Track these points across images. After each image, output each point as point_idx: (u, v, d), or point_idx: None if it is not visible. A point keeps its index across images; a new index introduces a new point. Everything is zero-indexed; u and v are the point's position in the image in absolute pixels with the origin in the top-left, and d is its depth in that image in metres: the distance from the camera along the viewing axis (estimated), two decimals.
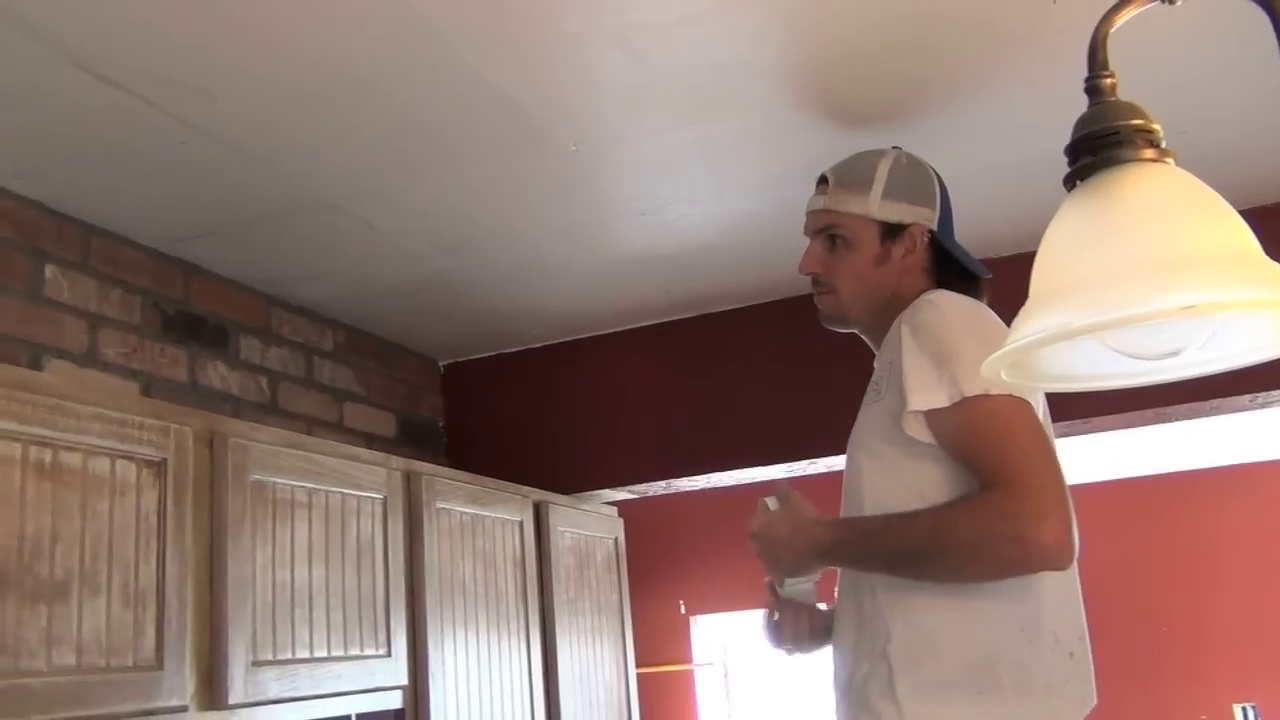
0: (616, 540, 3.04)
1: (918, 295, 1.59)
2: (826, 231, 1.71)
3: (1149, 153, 0.84)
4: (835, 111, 1.87)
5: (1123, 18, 0.88)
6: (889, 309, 1.63)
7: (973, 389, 1.40)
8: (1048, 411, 1.58)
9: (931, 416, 1.45)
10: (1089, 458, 3.96)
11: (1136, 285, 0.75)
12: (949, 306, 1.53)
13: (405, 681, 2.08)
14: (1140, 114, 0.86)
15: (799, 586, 1.69)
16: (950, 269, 1.69)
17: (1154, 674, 4.27)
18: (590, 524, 2.91)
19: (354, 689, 1.94)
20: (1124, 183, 0.83)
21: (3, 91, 1.62)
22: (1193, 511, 4.48)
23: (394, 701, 2.05)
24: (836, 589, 1.64)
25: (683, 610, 4.82)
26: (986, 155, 2.07)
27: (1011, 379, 0.89)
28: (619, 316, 2.91)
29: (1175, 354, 0.86)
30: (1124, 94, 0.87)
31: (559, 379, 3.03)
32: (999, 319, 1.54)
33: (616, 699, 2.88)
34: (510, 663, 2.43)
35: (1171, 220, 0.79)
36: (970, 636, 1.44)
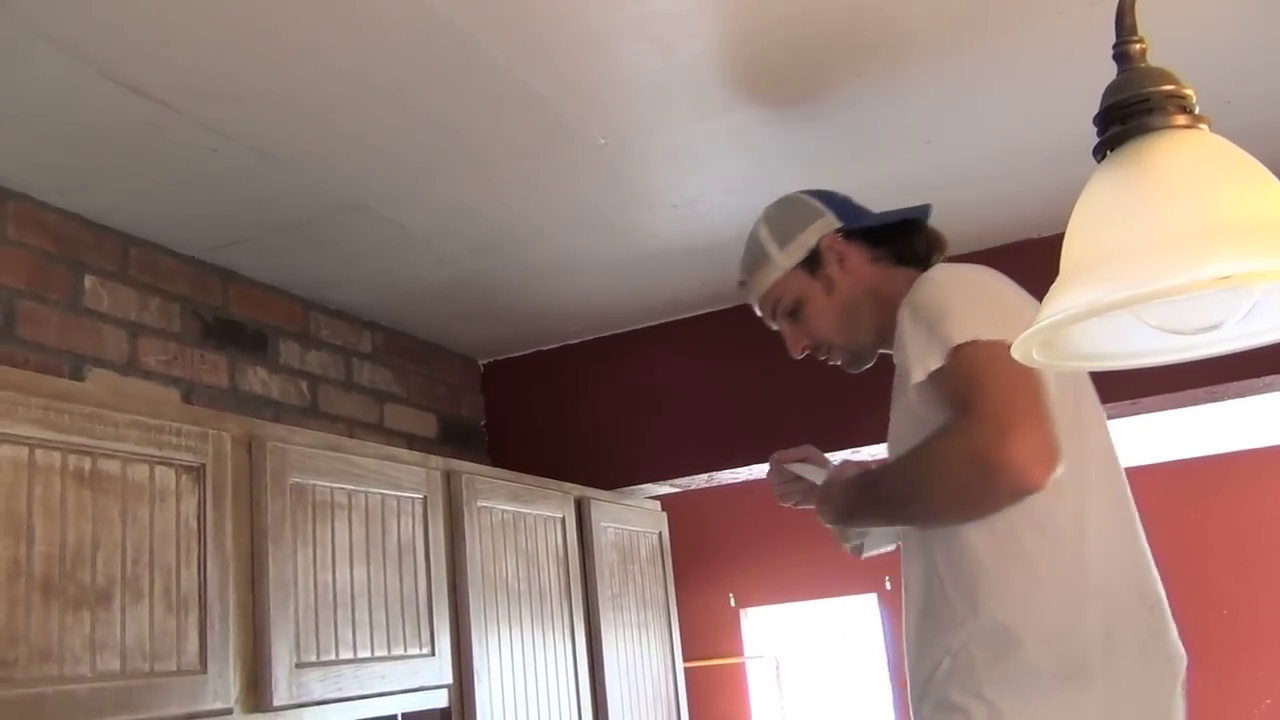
0: (660, 534, 3.03)
1: (900, 289, 1.55)
2: (780, 311, 1.73)
3: (1181, 119, 0.81)
4: (864, 92, 1.84)
5: None
6: (882, 314, 1.61)
7: (961, 337, 1.37)
8: (1086, 379, 1.54)
9: (933, 380, 1.41)
10: (1142, 440, 3.88)
11: (1170, 257, 0.73)
12: (943, 276, 1.52)
13: (450, 680, 2.08)
14: (1171, 79, 0.83)
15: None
16: (894, 237, 1.68)
17: (1215, 659, 4.17)
18: (633, 519, 2.90)
19: (398, 689, 1.95)
20: (1155, 151, 0.80)
21: (38, 107, 1.64)
22: (1249, 492, 4.38)
23: (439, 700, 2.05)
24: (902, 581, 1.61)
25: (732, 603, 4.80)
26: (1030, 135, 2.03)
27: (1043, 359, 0.86)
28: (655, 310, 2.90)
29: (1215, 328, 0.83)
30: (1163, 62, 0.84)
31: (598, 374, 3.02)
32: (1001, 276, 1.54)
33: (664, 694, 2.87)
34: (555, 659, 2.43)
35: (1206, 187, 0.76)
36: (1044, 614, 1.38)
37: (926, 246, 1.70)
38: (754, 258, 1.73)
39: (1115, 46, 0.85)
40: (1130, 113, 0.82)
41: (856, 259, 1.67)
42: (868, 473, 1.58)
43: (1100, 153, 0.84)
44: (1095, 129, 0.84)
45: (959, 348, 1.37)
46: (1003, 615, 1.40)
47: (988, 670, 1.39)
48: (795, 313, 1.71)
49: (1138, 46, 0.85)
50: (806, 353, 1.75)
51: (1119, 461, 1.55)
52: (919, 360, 1.42)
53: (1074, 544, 1.42)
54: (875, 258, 1.67)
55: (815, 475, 1.71)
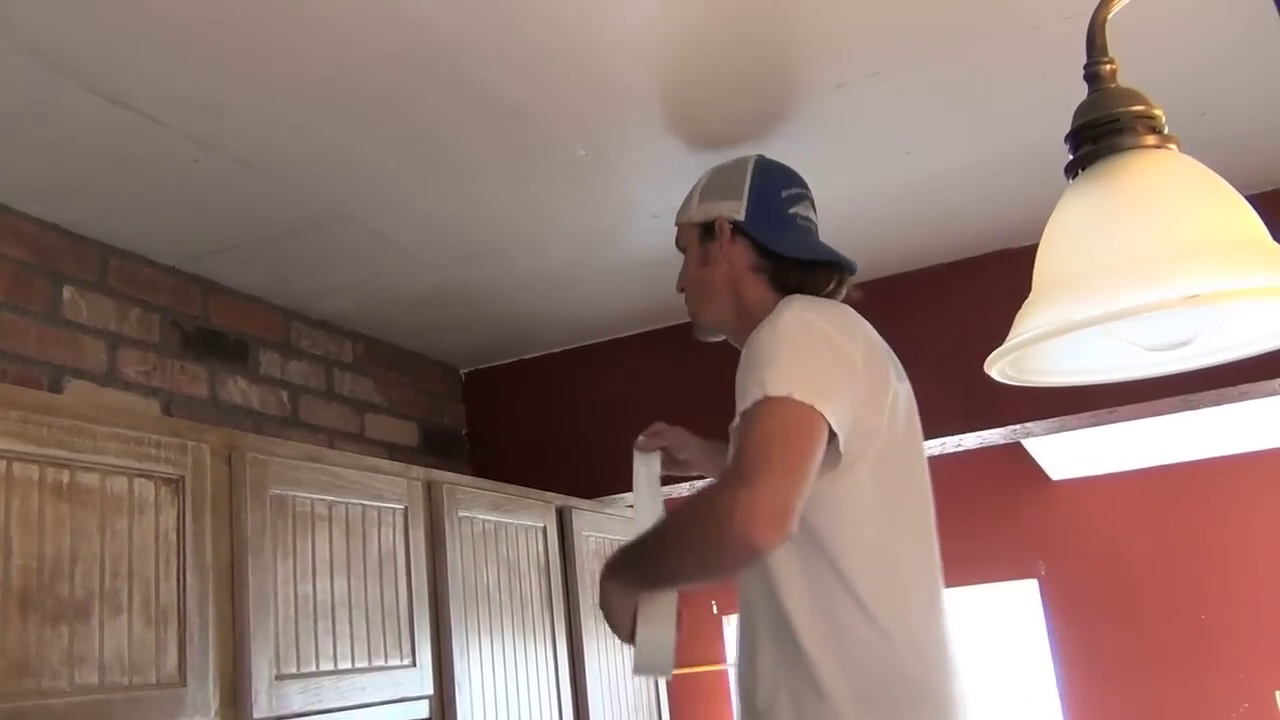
0: None
1: (762, 304, 1.56)
2: (677, 246, 1.76)
3: (1150, 139, 0.82)
4: (844, 103, 1.85)
5: (1120, 3, 0.86)
6: (739, 315, 1.63)
7: (776, 390, 1.34)
8: (914, 415, 1.57)
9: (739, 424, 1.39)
10: (1121, 445, 3.91)
11: (1140, 275, 0.74)
12: (787, 317, 1.47)
13: (431, 691, 2.08)
14: (1141, 100, 0.84)
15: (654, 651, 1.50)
16: (794, 266, 1.64)
17: (1193, 663, 4.21)
18: (614, 527, 2.90)
19: (379, 700, 1.94)
20: (1125, 170, 0.81)
21: (17, 116, 1.64)
22: (1227, 498, 4.41)
23: (420, 712, 2.05)
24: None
25: (714, 610, 4.81)
26: (1008, 144, 2.05)
27: (1016, 376, 0.87)
28: (637, 319, 2.91)
29: (1186, 343, 0.85)
30: (1135, 78, 0.85)
31: (579, 383, 3.02)
32: (852, 321, 1.51)
33: (646, 701, 2.87)
34: (537, 668, 2.43)
35: (1175, 207, 0.78)
36: (840, 666, 1.41)
37: (812, 289, 1.64)
38: (689, 192, 1.77)
39: (1086, 67, 0.87)
40: (1101, 133, 0.83)
41: (737, 255, 1.66)
42: (630, 544, 1.52)
43: (1072, 171, 0.85)
44: (1067, 147, 0.85)
45: (760, 400, 1.35)
46: (806, 663, 1.42)
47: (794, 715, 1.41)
48: (684, 259, 1.76)
49: (1108, 67, 0.86)
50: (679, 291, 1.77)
51: (932, 515, 1.58)
52: (739, 402, 1.40)
53: (884, 601, 1.43)
54: (756, 266, 1.65)
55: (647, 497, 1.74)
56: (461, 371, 3.20)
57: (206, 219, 2.06)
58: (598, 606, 1.53)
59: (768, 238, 1.65)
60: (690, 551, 1.36)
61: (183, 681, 1.57)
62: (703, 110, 1.84)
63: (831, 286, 1.63)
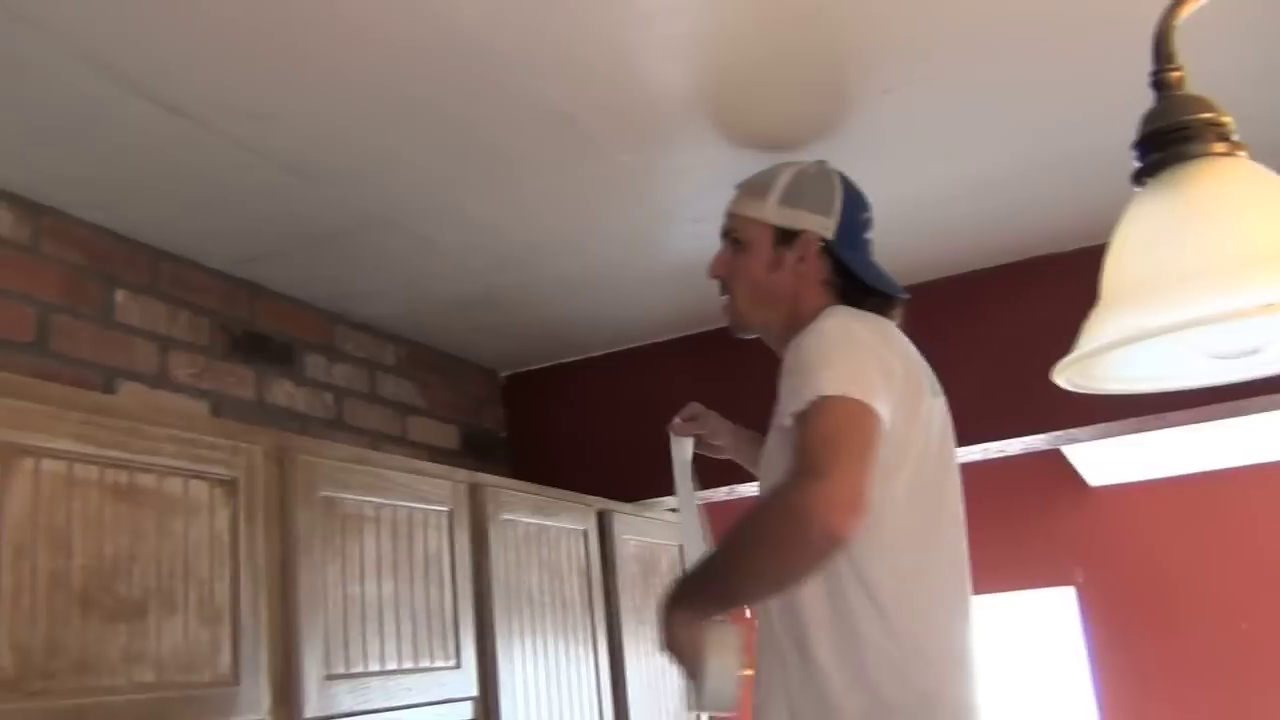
0: (681, 547, 3.04)
1: (817, 312, 1.58)
2: (729, 235, 1.74)
3: (1220, 146, 0.82)
4: (888, 108, 1.85)
5: (1189, 9, 0.86)
6: (789, 321, 1.63)
7: (830, 390, 1.38)
8: (949, 430, 1.58)
9: (794, 425, 1.42)
10: (1162, 451, 3.87)
11: (1214, 283, 0.74)
12: (832, 325, 1.50)
13: (475, 693, 2.09)
14: (1209, 107, 0.84)
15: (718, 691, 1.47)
16: (857, 285, 1.66)
17: (1235, 673, 4.16)
18: (654, 531, 2.91)
19: (425, 701, 1.96)
20: (1195, 178, 0.81)
21: (76, 124, 1.67)
22: (1270, 505, 4.36)
23: (464, 713, 2.06)
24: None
25: (748, 614, 4.80)
26: (1048, 149, 2.04)
27: (1084, 384, 0.87)
28: (676, 324, 2.91)
29: (1255, 352, 0.84)
30: (1202, 85, 0.85)
31: (619, 387, 3.03)
32: (892, 336, 1.54)
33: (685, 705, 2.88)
34: (578, 671, 2.44)
35: (1247, 215, 0.77)
36: (854, 679, 1.42)
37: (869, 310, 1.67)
38: (758, 184, 1.73)
39: (1153, 74, 0.87)
40: (1169, 140, 0.83)
41: (814, 270, 1.67)
42: (695, 567, 1.53)
43: (1139, 179, 0.85)
44: (1134, 155, 0.85)
45: (817, 400, 1.38)
46: (825, 681, 1.43)
47: None
48: (736, 248, 1.73)
49: (1175, 74, 0.86)
50: (715, 280, 1.76)
51: (964, 531, 1.59)
52: (787, 405, 1.44)
53: (907, 613, 1.44)
54: (827, 282, 1.67)
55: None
56: (501, 375, 3.22)
57: (255, 224, 2.09)
58: (662, 647, 1.49)
59: (853, 262, 1.66)
60: (773, 555, 1.35)
61: (236, 681, 1.59)
62: (748, 116, 1.84)
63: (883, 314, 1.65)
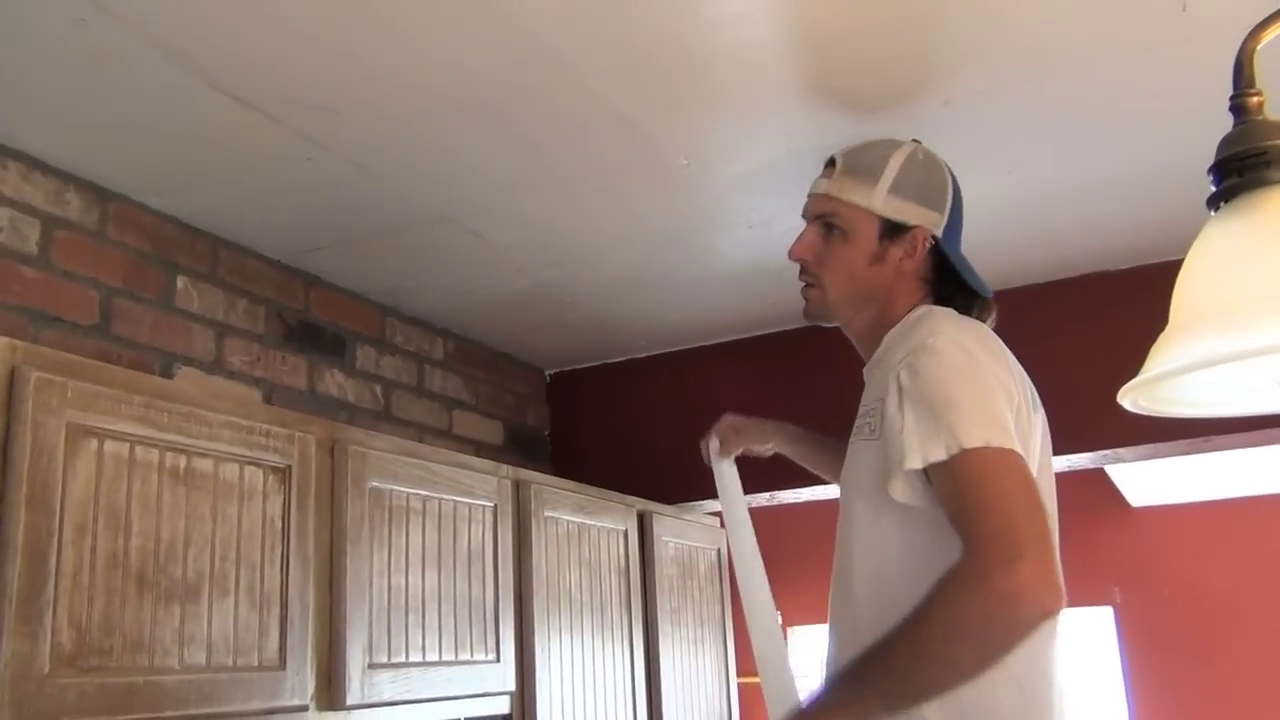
0: (719, 551, 3.04)
1: (911, 307, 1.52)
2: (824, 219, 1.59)
3: None
4: (950, 120, 1.85)
5: (1270, 34, 0.85)
6: (880, 314, 1.56)
7: (971, 441, 1.28)
8: (1048, 444, 1.50)
9: (932, 472, 1.33)
10: (1206, 474, 3.82)
11: None
12: (947, 345, 1.40)
13: (512, 687, 2.11)
14: None
15: None
16: (950, 281, 1.58)
17: (1273, 700, 4.09)
18: (693, 534, 2.92)
19: (463, 693, 1.98)
20: (1273, 204, 0.80)
21: (145, 111, 1.70)
22: None
23: (501, 706, 2.08)
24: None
25: (779, 621, 4.79)
26: (1114, 167, 2.02)
27: (1148, 406, 0.87)
28: (723, 328, 2.92)
29: None
30: (1274, 108, 0.85)
31: (663, 389, 3.04)
32: (1001, 349, 1.45)
33: (718, 708, 2.88)
34: (614, 670, 2.45)
35: None
36: (947, 706, 1.32)
37: (960, 310, 1.58)
38: (863, 167, 1.58)
39: (1232, 99, 0.86)
40: (1247, 165, 0.83)
41: (917, 266, 1.57)
42: (850, 666, 1.34)
43: (1215, 203, 0.84)
44: (1210, 179, 0.85)
45: (968, 452, 1.28)
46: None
47: None
48: (830, 234, 1.59)
49: (1255, 99, 0.86)
50: (798, 263, 1.63)
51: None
52: (918, 446, 1.33)
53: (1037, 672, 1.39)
54: (926, 279, 1.58)
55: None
56: (547, 373, 3.24)
57: (314, 215, 2.12)
58: None
59: (958, 262, 1.58)
60: (976, 644, 1.22)
61: (282, 665, 1.61)
62: (809, 125, 1.84)
63: (974, 314, 1.58)
